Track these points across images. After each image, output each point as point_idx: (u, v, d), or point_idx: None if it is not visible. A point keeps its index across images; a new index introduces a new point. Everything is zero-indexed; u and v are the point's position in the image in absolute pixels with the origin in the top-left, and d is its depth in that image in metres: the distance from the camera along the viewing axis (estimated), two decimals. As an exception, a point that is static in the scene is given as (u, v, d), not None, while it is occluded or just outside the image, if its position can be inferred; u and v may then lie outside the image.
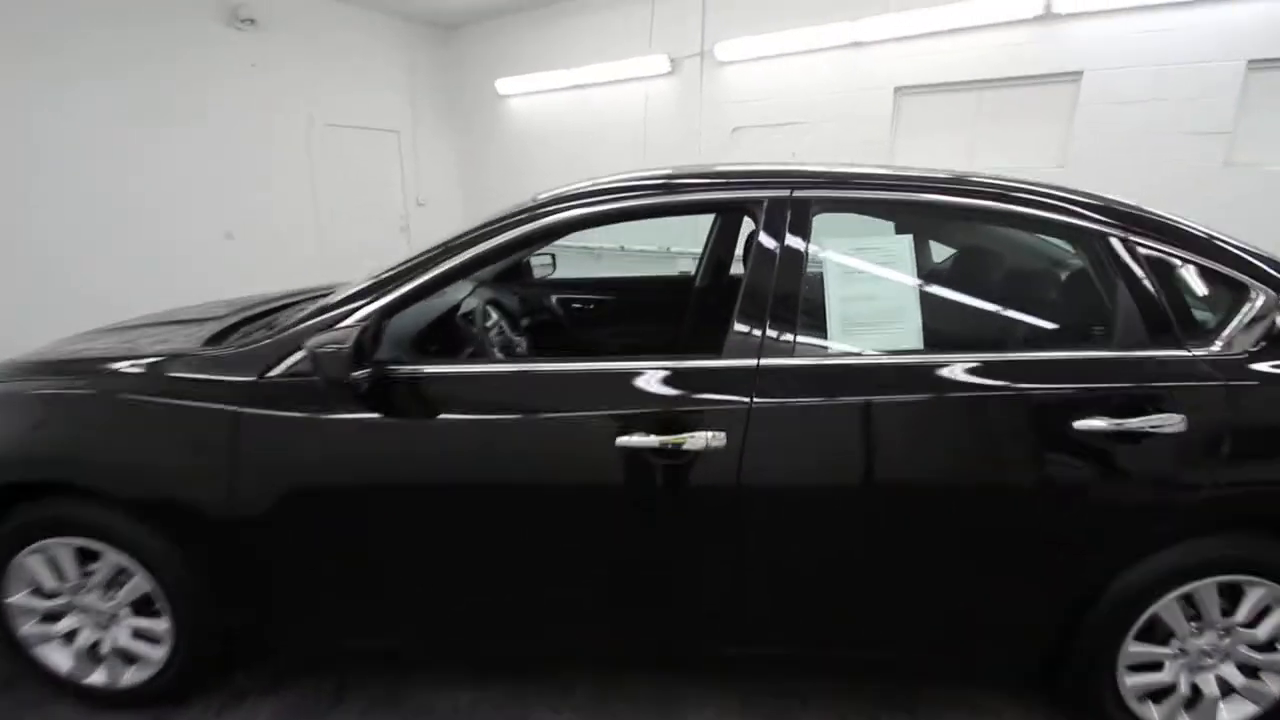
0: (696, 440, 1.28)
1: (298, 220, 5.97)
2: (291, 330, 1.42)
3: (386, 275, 1.44)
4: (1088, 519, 1.33)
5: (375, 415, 1.37)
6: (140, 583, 1.51)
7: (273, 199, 5.76)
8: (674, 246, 5.48)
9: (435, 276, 1.42)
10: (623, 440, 1.29)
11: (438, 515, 1.42)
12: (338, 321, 1.39)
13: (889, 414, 1.31)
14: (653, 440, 1.29)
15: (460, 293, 2.25)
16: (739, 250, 2.71)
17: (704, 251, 2.78)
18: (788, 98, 4.94)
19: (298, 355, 1.35)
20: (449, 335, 1.85)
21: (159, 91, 4.95)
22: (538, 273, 2.96)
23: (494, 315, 2.07)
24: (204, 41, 5.21)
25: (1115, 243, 1.37)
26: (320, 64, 5.93)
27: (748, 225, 2.53)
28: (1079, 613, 1.38)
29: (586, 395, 1.36)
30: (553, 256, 3.00)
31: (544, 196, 1.50)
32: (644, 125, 5.67)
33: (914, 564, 1.38)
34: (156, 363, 1.48)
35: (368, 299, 1.42)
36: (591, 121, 6.07)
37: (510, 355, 1.85)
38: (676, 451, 1.29)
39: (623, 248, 5.77)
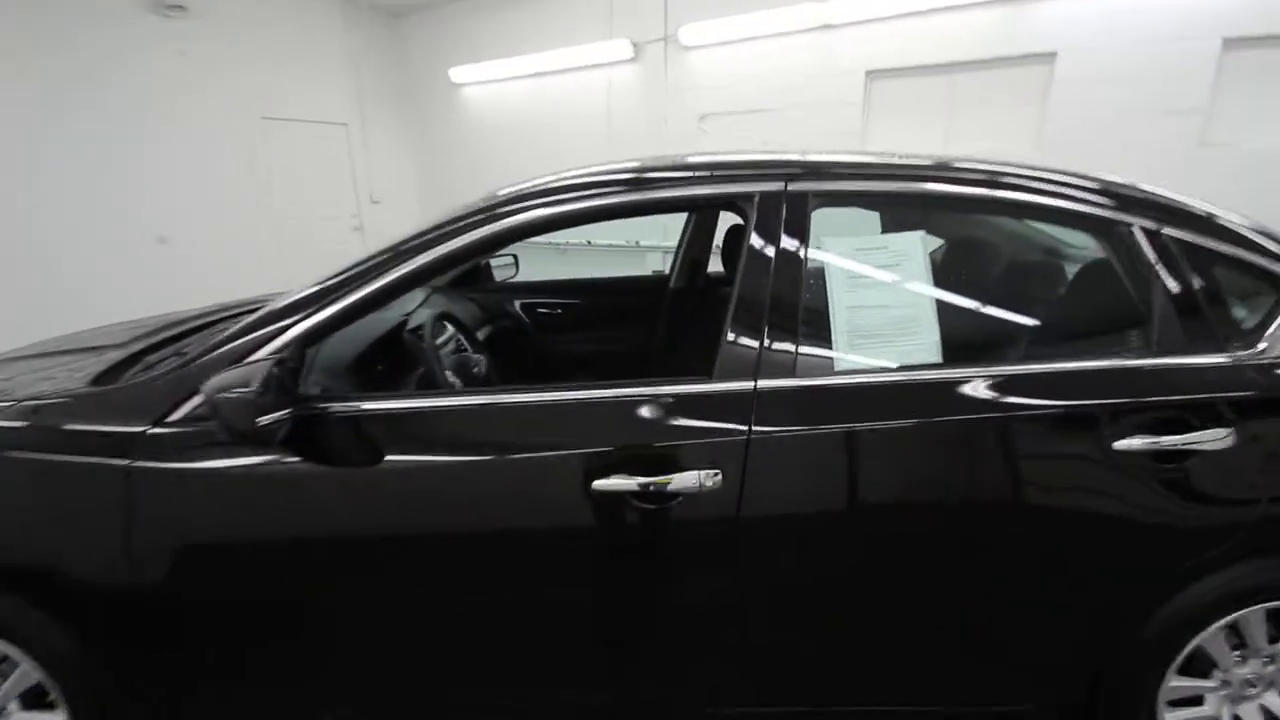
0: (686, 480, 1.09)
1: (240, 222, 5.57)
2: (194, 365, 1.17)
3: (313, 291, 1.21)
4: (1130, 546, 1.18)
5: (296, 464, 1.14)
6: (28, 671, 1.26)
7: (211, 200, 5.35)
8: (643, 240, 5.28)
9: (373, 292, 1.20)
10: (600, 484, 1.09)
11: (375, 579, 1.19)
12: (250, 352, 1.15)
13: (908, 441, 1.14)
14: (634, 483, 1.09)
15: (409, 302, 2.01)
16: (718, 246, 2.53)
17: (679, 248, 2.59)
18: (757, 83, 4.76)
19: (198, 399, 1.12)
20: (395, 356, 1.62)
21: (75, 83, 4.51)
22: (498, 275, 2.73)
23: (448, 329, 1.84)
24: (126, 28, 4.77)
25: (1149, 235, 1.22)
26: (257, 53, 5.51)
27: (725, 219, 2.37)
28: (1118, 649, 1.24)
29: (554, 431, 1.16)
30: (515, 257, 2.78)
31: (505, 193, 1.28)
32: (608, 114, 5.44)
33: (941, 605, 1.21)
34: (29, 409, 1.22)
35: (288, 322, 1.18)
36: (553, 111, 5.81)
37: (467, 377, 1.62)
38: (663, 495, 1.10)
39: (589, 243, 5.54)
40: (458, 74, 6.18)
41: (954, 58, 4.09)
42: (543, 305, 2.64)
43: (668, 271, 2.62)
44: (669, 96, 5.15)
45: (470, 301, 2.49)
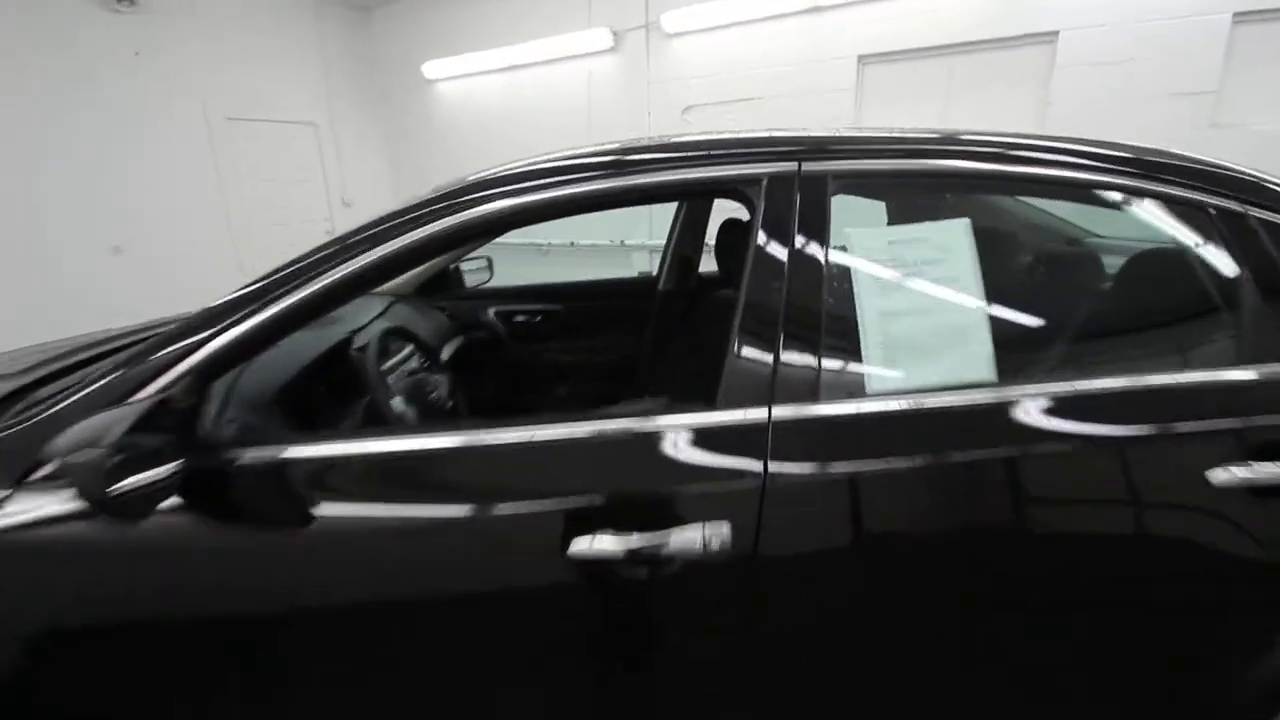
0: (687, 538, 0.86)
1: (202, 229, 5.28)
2: (57, 410, 0.93)
3: (224, 304, 0.98)
4: (1224, 597, 0.97)
5: (198, 527, 0.90)
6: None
7: (171, 206, 5.06)
8: (628, 239, 5.05)
9: (303, 303, 0.96)
10: (578, 547, 0.87)
11: (294, 667, 0.96)
12: (134, 389, 0.91)
13: (964, 479, 0.92)
14: (620, 546, 0.86)
15: (363, 313, 1.77)
16: (708, 245, 2.31)
17: (667, 245, 2.36)
18: (743, 72, 4.54)
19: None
20: (339, 381, 1.38)
21: (21, 85, 4.21)
22: (471, 280, 2.49)
23: (405, 346, 1.60)
24: (75, 26, 4.47)
25: (1230, 219, 1.02)
26: (217, 50, 5.22)
27: (718, 212, 2.15)
28: (1209, 714, 1.03)
29: (519, 478, 0.93)
30: (489, 259, 2.54)
31: (472, 178, 1.06)
32: (588, 107, 5.19)
33: (1011, 674, 1.00)
34: None
35: (188, 343, 0.94)
36: (531, 105, 5.55)
37: (423, 404, 1.38)
38: (657, 557, 0.87)
39: (573, 243, 5.31)
40: (431, 69, 5.91)
41: (950, 40, 3.88)
42: (519, 312, 2.40)
43: (655, 272, 2.40)
44: (651, 87, 4.92)
45: (438, 311, 2.25)
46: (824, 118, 4.28)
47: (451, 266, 2.40)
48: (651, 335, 2.22)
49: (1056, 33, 3.63)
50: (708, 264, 2.35)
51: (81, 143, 4.52)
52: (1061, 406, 0.93)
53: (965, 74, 3.95)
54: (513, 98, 5.66)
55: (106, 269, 4.73)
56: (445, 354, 2.04)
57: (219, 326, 0.94)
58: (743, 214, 1.08)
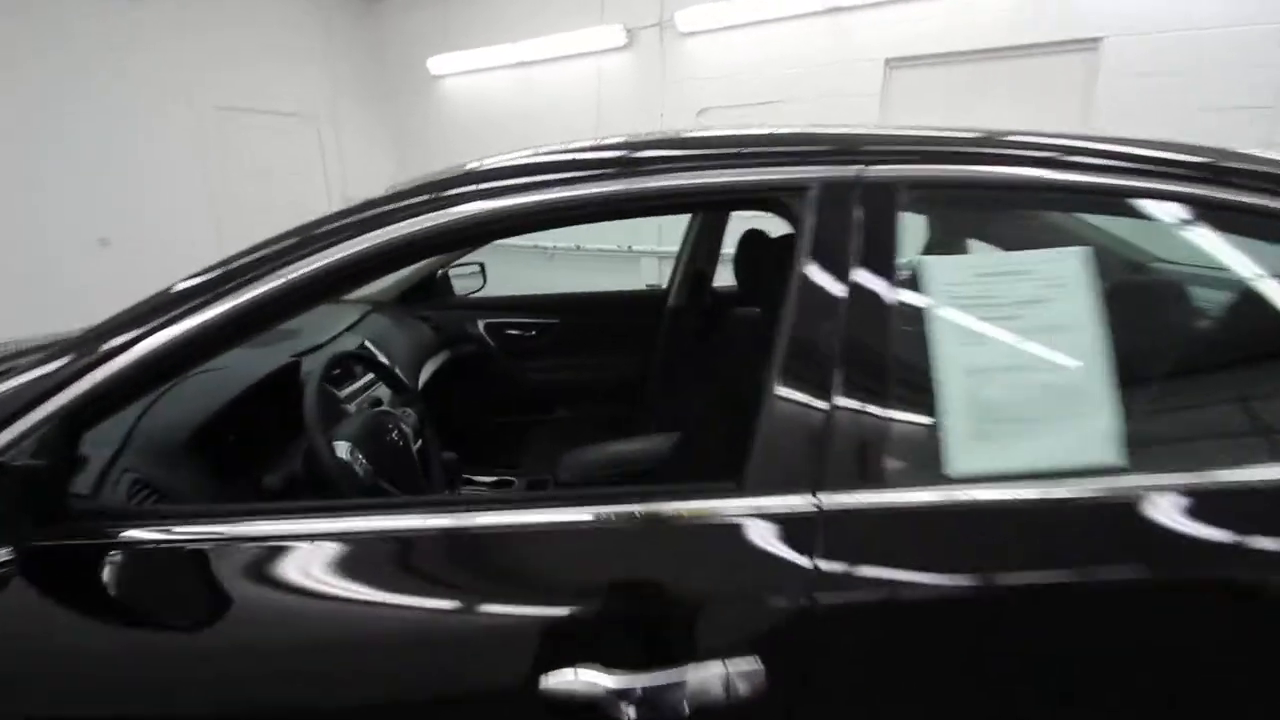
0: (702, 679, 0.63)
1: (194, 222, 5.08)
2: None
3: (114, 322, 0.76)
4: None
5: (59, 617, 0.68)
6: None
7: (160, 199, 4.87)
8: (636, 244, 4.82)
9: (225, 319, 0.75)
10: (554, 682, 0.63)
11: None
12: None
13: (1091, 606, 0.68)
14: (609, 681, 0.63)
15: (336, 322, 1.54)
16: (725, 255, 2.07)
17: (679, 256, 2.13)
18: (762, 73, 4.31)
19: None
20: (287, 415, 1.15)
21: (3, 73, 4.03)
22: (460, 287, 2.26)
23: (368, 375, 1.36)
24: (60, 9, 4.28)
25: None
26: (211, 38, 5.02)
27: (738, 219, 1.91)
28: None
29: (476, 582, 0.70)
30: (481, 265, 2.31)
31: (469, 168, 0.85)
32: (598, 106, 4.98)
33: None
34: None
35: (49, 384, 0.71)
36: (539, 103, 5.34)
37: (379, 451, 1.12)
38: (660, 702, 0.64)
39: (579, 247, 5.09)
40: (436, 64, 5.71)
41: (984, 44, 3.65)
42: (512, 325, 2.17)
43: (665, 286, 2.17)
44: (665, 88, 4.69)
45: (422, 321, 2.03)
46: (846, 124, 4.05)
47: (439, 272, 2.18)
48: (660, 357, 1.99)
49: (1099, 39, 3.39)
50: (724, 276, 2.12)
51: (67, 129, 4.34)
52: (1222, 505, 0.68)
53: (1000, 81, 3.71)
54: (520, 95, 5.45)
55: (94, 262, 4.54)
56: (426, 372, 1.81)
57: (101, 353, 0.72)
58: (765, 222, 0.85)
